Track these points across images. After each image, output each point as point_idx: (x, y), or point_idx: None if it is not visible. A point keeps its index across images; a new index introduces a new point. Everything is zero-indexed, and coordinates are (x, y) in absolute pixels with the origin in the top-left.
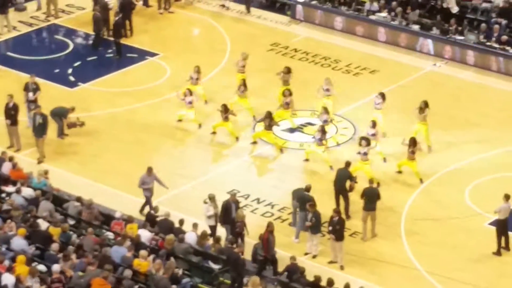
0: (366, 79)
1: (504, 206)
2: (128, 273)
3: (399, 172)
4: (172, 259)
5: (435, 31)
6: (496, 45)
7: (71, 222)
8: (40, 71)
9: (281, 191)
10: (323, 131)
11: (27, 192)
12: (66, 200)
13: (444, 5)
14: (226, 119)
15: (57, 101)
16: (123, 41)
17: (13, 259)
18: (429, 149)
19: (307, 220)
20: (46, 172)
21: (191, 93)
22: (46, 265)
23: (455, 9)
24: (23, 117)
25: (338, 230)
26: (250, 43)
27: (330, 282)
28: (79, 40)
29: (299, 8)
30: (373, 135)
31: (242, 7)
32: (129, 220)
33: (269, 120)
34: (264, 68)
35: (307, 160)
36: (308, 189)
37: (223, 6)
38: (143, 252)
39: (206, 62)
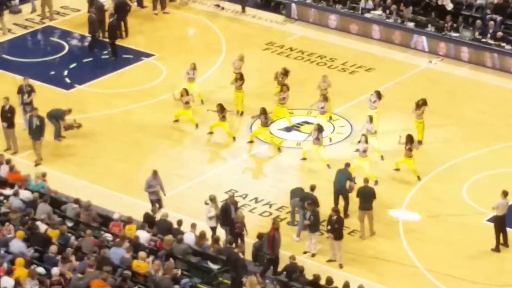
0: (362, 77)
1: (502, 202)
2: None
3: (397, 169)
4: (171, 259)
5: (430, 28)
6: (492, 42)
7: (69, 224)
8: (36, 73)
9: (279, 190)
10: (319, 130)
11: (25, 194)
12: (64, 202)
13: (439, 2)
14: (223, 118)
15: (53, 103)
16: (119, 42)
17: (12, 262)
18: (419, 144)
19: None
20: (43, 175)
21: (187, 92)
22: (45, 268)
23: (450, 6)
24: (19, 119)
25: (337, 229)
26: (245, 42)
27: (329, 281)
28: (74, 42)
29: (294, 7)
30: (371, 129)
31: (237, 7)
32: (127, 221)
33: (264, 116)
34: (260, 67)
35: (304, 159)
36: (312, 188)
37: (217, 6)
38: (142, 253)
39: (201, 62)
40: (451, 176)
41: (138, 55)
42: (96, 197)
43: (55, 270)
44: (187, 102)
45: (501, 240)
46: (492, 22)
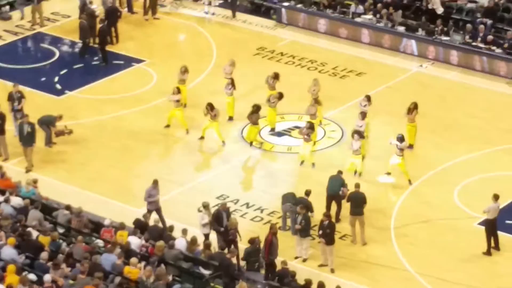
0: (353, 82)
1: (493, 206)
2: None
3: (388, 173)
4: (162, 265)
5: (420, 32)
6: (482, 45)
7: (61, 230)
8: (26, 79)
9: (270, 195)
10: (311, 128)
11: (16, 201)
12: (55, 208)
13: (430, 6)
14: (214, 117)
15: (44, 110)
16: (109, 48)
17: (3, 269)
18: (410, 148)
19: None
20: (35, 181)
21: (179, 91)
22: (36, 274)
23: (440, 10)
24: (11, 126)
25: (328, 234)
26: (236, 47)
27: (321, 286)
28: (65, 48)
29: (284, 12)
30: (361, 126)
31: (228, 12)
32: (120, 227)
33: (256, 116)
34: (251, 72)
35: (302, 163)
36: (308, 193)
37: (206, 13)
38: (133, 259)
39: (192, 67)
40: (442, 180)
41: (128, 61)
42: (87, 203)
43: (47, 277)
44: (177, 101)
45: (492, 244)
46: (482, 26)
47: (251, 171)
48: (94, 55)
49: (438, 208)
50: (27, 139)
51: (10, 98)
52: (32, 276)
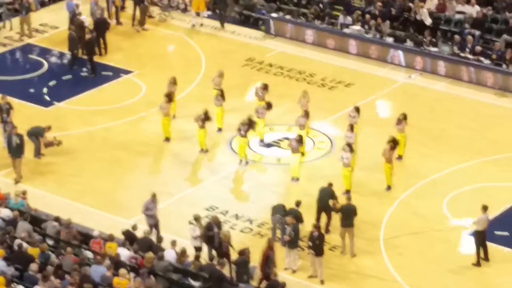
0: (341, 93)
1: (482, 217)
2: None
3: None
4: (152, 277)
5: (409, 43)
6: (470, 56)
7: (50, 242)
8: (15, 91)
9: (260, 206)
10: (299, 140)
11: (5, 213)
12: (44, 220)
13: (418, 17)
14: (202, 127)
15: (33, 121)
16: (98, 59)
17: None
18: (399, 158)
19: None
20: (24, 193)
21: (170, 99)
22: (25, 286)
23: (428, 21)
24: None
25: (317, 245)
26: (225, 58)
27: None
28: (53, 59)
29: (272, 23)
30: (351, 137)
31: (216, 23)
32: (109, 239)
33: (247, 127)
34: (239, 83)
35: (293, 178)
36: (297, 204)
37: (193, 26)
38: (122, 271)
39: (181, 78)
40: (432, 191)
41: (117, 72)
42: (77, 214)
43: None
44: (163, 108)
45: (482, 255)
46: (470, 37)
47: (240, 182)
48: (82, 66)
49: (427, 219)
50: (15, 151)
51: None
52: None
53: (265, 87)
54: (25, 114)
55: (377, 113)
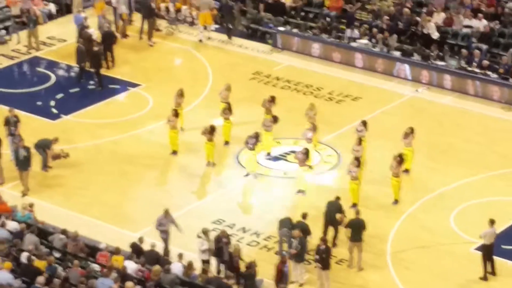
0: (349, 106)
1: (489, 231)
2: None
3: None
4: None
5: (416, 57)
6: (477, 70)
7: (57, 255)
8: (22, 104)
9: (266, 219)
10: (306, 154)
11: (12, 225)
12: (51, 232)
13: (425, 31)
14: (210, 139)
15: (40, 134)
16: (105, 72)
17: None
18: (406, 172)
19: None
20: (31, 205)
21: (176, 114)
22: None
23: (435, 35)
24: (7, 150)
25: (324, 259)
26: (232, 72)
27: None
28: (61, 72)
29: (279, 36)
30: (358, 151)
31: (224, 37)
32: (115, 252)
33: (255, 140)
34: (247, 96)
35: (300, 191)
36: (304, 216)
37: (200, 41)
38: (129, 284)
39: (188, 91)
40: (439, 205)
41: (124, 85)
42: (84, 227)
43: None
44: (171, 121)
45: (489, 269)
46: (477, 51)
47: (247, 196)
48: (90, 79)
49: (434, 233)
50: (23, 163)
51: (7, 122)
52: None
53: (272, 100)
54: (32, 127)
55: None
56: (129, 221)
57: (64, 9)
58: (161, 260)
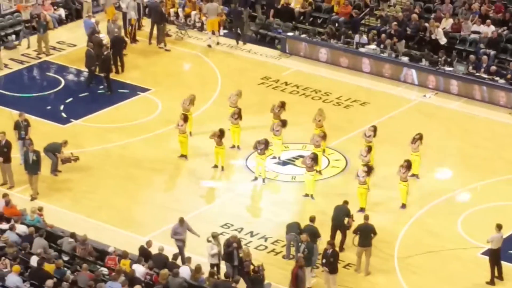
0: (357, 111)
1: (497, 235)
2: None
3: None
4: None
5: (424, 63)
6: (485, 76)
7: (65, 258)
8: (32, 108)
9: (274, 224)
10: (314, 158)
11: (21, 229)
12: (60, 236)
13: (433, 37)
14: (220, 144)
15: (50, 138)
16: (115, 77)
17: None
18: (413, 176)
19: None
20: (40, 209)
21: (185, 119)
22: None
23: (443, 41)
24: (17, 154)
25: (332, 263)
26: (241, 77)
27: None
28: (70, 77)
29: (288, 41)
30: (366, 156)
31: (233, 42)
32: (123, 255)
33: (263, 146)
34: (255, 101)
35: (306, 195)
36: (312, 219)
37: (209, 46)
38: (137, 287)
39: (197, 96)
40: (446, 210)
41: (134, 90)
42: (92, 231)
43: None
44: (181, 125)
45: (496, 273)
46: (485, 57)
47: (255, 200)
48: (99, 84)
49: (441, 237)
50: (32, 167)
51: (17, 126)
52: None
53: (282, 105)
54: (42, 131)
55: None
56: (138, 225)
57: (74, 14)
58: (169, 263)
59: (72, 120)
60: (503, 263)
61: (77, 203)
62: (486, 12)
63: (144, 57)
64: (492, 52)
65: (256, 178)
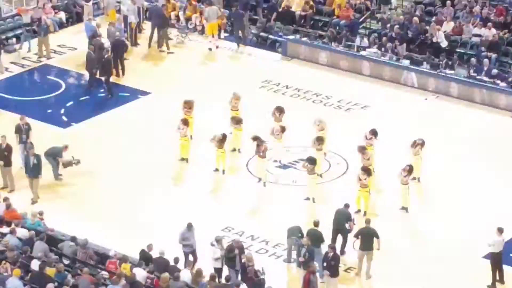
0: (358, 115)
1: (498, 239)
2: None
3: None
4: None
5: (425, 66)
6: (486, 79)
7: (66, 262)
8: (33, 111)
9: (275, 227)
10: (314, 161)
11: (22, 232)
12: (61, 240)
13: (434, 40)
14: (221, 147)
15: (51, 142)
16: (115, 80)
17: None
18: (414, 180)
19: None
20: (41, 213)
21: (186, 123)
22: None
23: (444, 44)
24: (18, 157)
25: (333, 266)
26: (241, 80)
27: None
28: (71, 80)
29: (289, 45)
30: (367, 160)
31: (234, 45)
32: (123, 259)
33: (264, 148)
34: (256, 105)
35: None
36: (316, 224)
37: (210, 49)
38: None
39: (198, 100)
40: (447, 213)
41: (134, 93)
42: (93, 235)
43: None
44: (182, 129)
45: (497, 277)
46: (486, 60)
47: (256, 203)
48: (100, 87)
49: (443, 241)
50: (33, 171)
51: (18, 130)
52: None
53: (281, 111)
54: (42, 135)
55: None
56: (138, 229)
57: (75, 18)
58: (170, 267)
59: (73, 123)
60: (505, 266)
61: (77, 206)
62: (487, 15)
63: (145, 61)
64: (493, 55)
65: (259, 180)
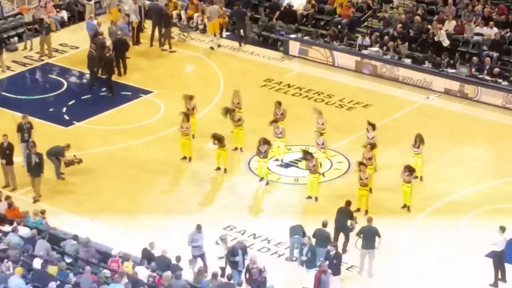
0: (359, 113)
1: (500, 238)
2: None
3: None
4: None
5: (427, 65)
6: (488, 78)
7: (68, 260)
8: (35, 110)
9: (277, 226)
10: (304, 156)
11: (24, 231)
12: (63, 238)
13: (436, 39)
14: (222, 146)
15: (53, 140)
16: (117, 79)
17: None
18: (416, 178)
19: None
20: (43, 212)
21: (187, 119)
22: None
23: (446, 43)
24: (19, 156)
25: (335, 265)
26: (243, 79)
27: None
28: (73, 79)
29: (291, 43)
30: (370, 158)
31: (235, 44)
32: (125, 257)
33: (266, 147)
34: (258, 103)
35: (309, 197)
36: (325, 225)
37: (212, 48)
38: None
39: (199, 99)
40: (450, 212)
41: (136, 92)
42: (95, 233)
43: None
44: (187, 128)
45: (499, 276)
46: (488, 59)
47: (258, 202)
48: (101, 86)
49: (445, 239)
50: (34, 170)
51: (20, 129)
52: None
53: (283, 112)
54: (44, 134)
55: None
56: (141, 227)
57: (77, 17)
58: (172, 266)
59: (74, 122)
60: (507, 265)
61: (79, 205)
62: (489, 14)
63: (147, 59)
64: (495, 54)
65: (261, 179)
